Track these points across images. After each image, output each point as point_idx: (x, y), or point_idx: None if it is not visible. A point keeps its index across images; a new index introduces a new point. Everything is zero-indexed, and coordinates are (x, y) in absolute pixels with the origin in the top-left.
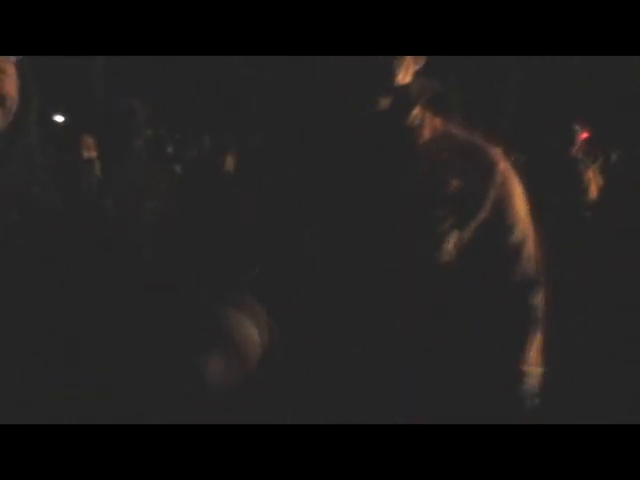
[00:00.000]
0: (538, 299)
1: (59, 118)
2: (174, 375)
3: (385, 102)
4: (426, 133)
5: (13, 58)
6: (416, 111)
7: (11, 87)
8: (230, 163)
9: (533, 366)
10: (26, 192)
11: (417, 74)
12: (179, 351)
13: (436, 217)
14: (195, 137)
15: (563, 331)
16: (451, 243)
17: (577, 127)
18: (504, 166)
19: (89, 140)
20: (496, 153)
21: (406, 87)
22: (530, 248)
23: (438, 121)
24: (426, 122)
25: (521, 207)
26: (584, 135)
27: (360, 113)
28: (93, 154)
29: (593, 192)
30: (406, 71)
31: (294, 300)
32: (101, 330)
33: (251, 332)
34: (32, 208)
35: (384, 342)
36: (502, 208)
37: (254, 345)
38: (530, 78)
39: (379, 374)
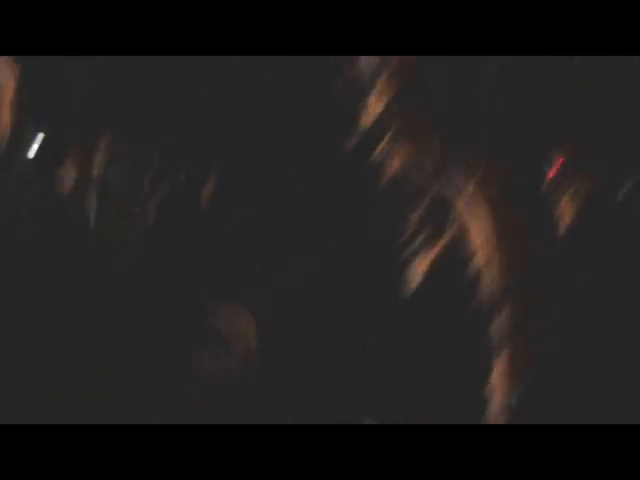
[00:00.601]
0: (500, 325)
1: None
2: (166, 371)
3: (350, 136)
4: (391, 165)
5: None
6: (383, 144)
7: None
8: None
9: (497, 393)
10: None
11: (388, 104)
12: (170, 347)
13: (399, 244)
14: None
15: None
16: (414, 270)
17: (551, 154)
18: (468, 192)
19: (64, 171)
20: (460, 180)
21: (371, 123)
22: (493, 274)
23: (403, 154)
24: (392, 155)
25: (484, 233)
26: (558, 162)
27: (325, 147)
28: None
29: (567, 219)
30: (372, 109)
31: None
32: (92, 326)
33: (243, 328)
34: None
35: (351, 359)
36: (465, 233)
37: (245, 341)
38: (508, 105)
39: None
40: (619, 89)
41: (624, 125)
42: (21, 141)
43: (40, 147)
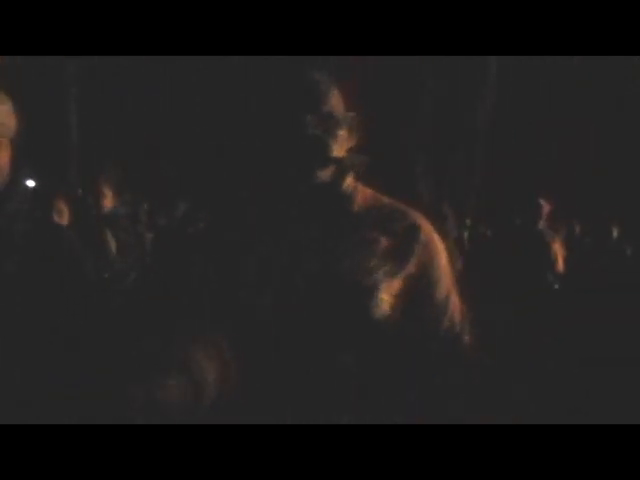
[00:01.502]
0: (463, 348)
1: (30, 183)
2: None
3: (322, 173)
4: (358, 200)
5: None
6: (349, 180)
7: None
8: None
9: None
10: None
11: (350, 150)
12: (140, 375)
13: (367, 271)
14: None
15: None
16: (382, 297)
17: (541, 200)
18: (427, 228)
19: (61, 205)
20: (419, 217)
21: (340, 160)
22: (455, 302)
23: (369, 191)
24: (358, 191)
25: (444, 264)
26: (548, 208)
27: (300, 182)
28: (64, 220)
29: (560, 263)
30: (340, 147)
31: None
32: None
33: (209, 365)
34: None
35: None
36: (427, 264)
37: (211, 378)
38: (492, 151)
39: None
40: (619, 89)
41: (624, 126)
42: (20, 176)
43: (37, 181)
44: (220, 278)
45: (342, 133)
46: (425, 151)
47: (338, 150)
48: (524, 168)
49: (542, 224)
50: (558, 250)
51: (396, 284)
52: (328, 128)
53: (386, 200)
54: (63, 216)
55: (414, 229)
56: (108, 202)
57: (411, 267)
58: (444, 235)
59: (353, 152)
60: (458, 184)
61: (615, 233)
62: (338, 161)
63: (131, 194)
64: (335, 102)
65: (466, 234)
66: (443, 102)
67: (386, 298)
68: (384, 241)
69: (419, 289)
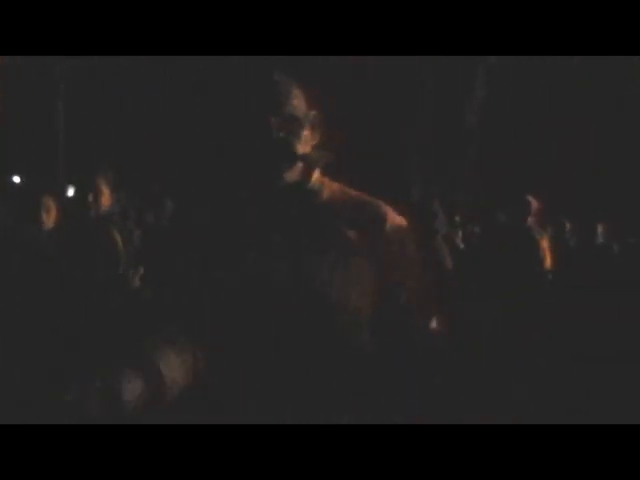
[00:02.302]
0: (436, 342)
1: (16, 179)
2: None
3: (289, 173)
4: (326, 194)
5: None
6: (316, 176)
7: None
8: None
9: None
10: None
11: (315, 146)
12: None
13: (332, 261)
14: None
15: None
16: (351, 289)
17: (530, 198)
18: (394, 218)
19: (49, 202)
20: (387, 208)
21: (306, 157)
22: (425, 294)
23: (336, 185)
24: (325, 185)
25: (412, 255)
26: (537, 205)
27: (267, 179)
28: (52, 219)
29: (548, 260)
30: (305, 145)
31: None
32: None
33: (175, 365)
34: None
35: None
36: (394, 255)
37: (175, 377)
38: (482, 148)
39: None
40: (619, 89)
41: (624, 126)
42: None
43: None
44: (196, 277)
45: (306, 133)
46: (415, 149)
47: (303, 148)
48: (514, 165)
49: (531, 221)
50: (547, 247)
51: (364, 275)
52: (292, 129)
53: (353, 193)
54: (51, 215)
55: (380, 219)
56: (106, 200)
57: (378, 257)
58: (434, 233)
59: (318, 148)
60: (448, 182)
61: (603, 231)
62: (304, 158)
63: (124, 192)
64: (297, 102)
65: (456, 231)
66: (434, 100)
67: (356, 289)
68: (351, 232)
69: (386, 280)
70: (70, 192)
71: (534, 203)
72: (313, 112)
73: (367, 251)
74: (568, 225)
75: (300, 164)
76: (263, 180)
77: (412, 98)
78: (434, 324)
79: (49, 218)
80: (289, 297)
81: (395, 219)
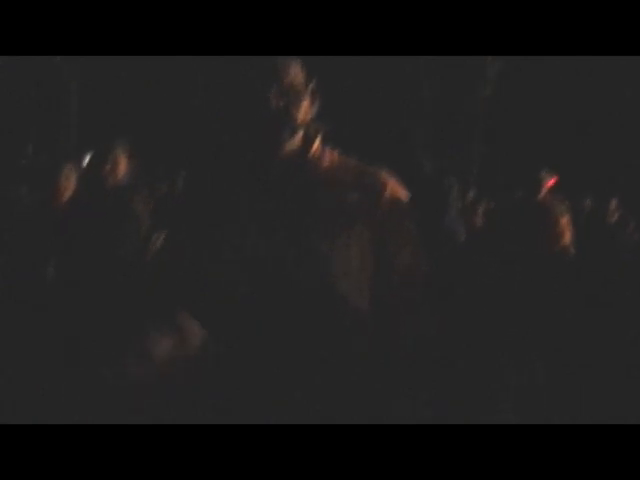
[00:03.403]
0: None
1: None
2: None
3: (289, 142)
4: (326, 163)
5: None
6: (316, 145)
7: None
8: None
9: None
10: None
11: (314, 117)
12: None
13: (335, 228)
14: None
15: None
16: (351, 252)
17: (546, 172)
18: (394, 187)
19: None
20: (387, 176)
21: (305, 127)
22: (419, 257)
23: (336, 154)
24: (326, 154)
25: (409, 227)
26: (552, 181)
27: (267, 148)
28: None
29: (567, 238)
30: (304, 115)
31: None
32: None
33: (174, 345)
34: None
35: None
36: (393, 219)
37: (173, 356)
38: (497, 121)
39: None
40: (619, 89)
41: (624, 126)
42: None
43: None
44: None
45: (304, 102)
46: (427, 122)
47: (302, 119)
48: (528, 139)
49: (547, 196)
50: (564, 223)
51: (364, 244)
52: (290, 99)
53: (353, 162)
54: (69, 186)
55: (380, 188)
56: (122, 171)
57: (375, 225)
58: (447, 207)
59: (317, 119)
60: (462, 156)
61: (617, 207)
62: (303, 128)
63: (139, 164)
64: (294, 72)
65: (471, 207)
66: (447, 74)
67: (357, 258)
68: (351, 201)
69: (383, 248)
70: (85, 162)
71: (550, 177)
72: (312, 83)
73: (366, 220)
74: (588, 201)
75: (300, 133)
76: (263, 149)
77: (415, 72)
78: (427, 306)
79: (66, 188)
80: (290, 266)
81: (396, 189)
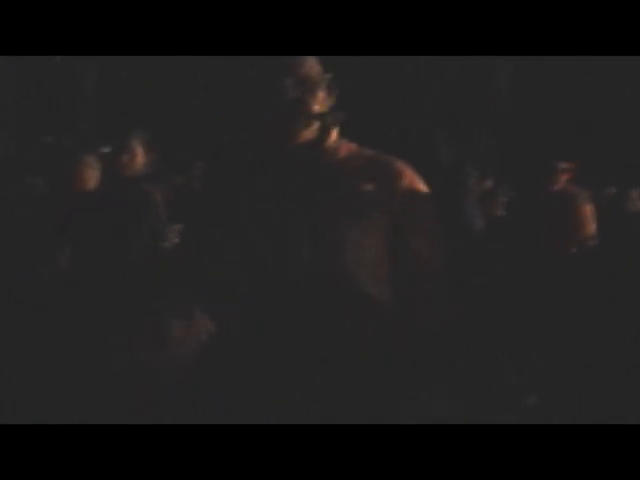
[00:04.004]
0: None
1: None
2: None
3: (306, 132)
4: (342, 152)
5: None
6: (333, 136)
7: None
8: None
9: None
10: None
11: (331, 107)
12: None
13: (350, 218)
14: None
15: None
16: (367, 241)
17: (565, 162)
18: (410, 176)
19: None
20: (403, 165)
21: (322, 117)
22: (435, 246)
23: (353, 145)
24: (342, 145)
25: (426, 215)
26: (570, 170)
27: (284, 138)
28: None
29: (591, 227)
30: (321, 106)
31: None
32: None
33: (185, 333)
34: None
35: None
36: (410, 208)
37: (184, 344)
38: (517, 110)
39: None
40: (619, 89)
41: (624, 126)
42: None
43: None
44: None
45: (321, 93)
46: (445, 111)
47: (319, 109)
48: (548, 128)
49: (567, 185)
50: (586, 212)
51: (380, 232)
52: (306, 90)
53: (370, 152)
54: (94, 174)
55: (396, 177)
56: (140, 161)
57: (391, 214)
58: (465, 195)
59: (334, 109)
60: (480, 144)
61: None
62: (320, 118)
63: (156, 153)
64: (310, 64)
65: (490, 195)
66: (465, 64)
67: (373, 246)
68: (367, 189)
69: (401, 238)
70: (104, 151)
71: (569, 166)
72: (328, 74)
73: (383, 209)
74: (609, 190)
75: (316, 123)
76: (280, 139)
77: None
78: (443, 288)
79: (88, 178)
80: (306, 254)
81: (413, 179)
